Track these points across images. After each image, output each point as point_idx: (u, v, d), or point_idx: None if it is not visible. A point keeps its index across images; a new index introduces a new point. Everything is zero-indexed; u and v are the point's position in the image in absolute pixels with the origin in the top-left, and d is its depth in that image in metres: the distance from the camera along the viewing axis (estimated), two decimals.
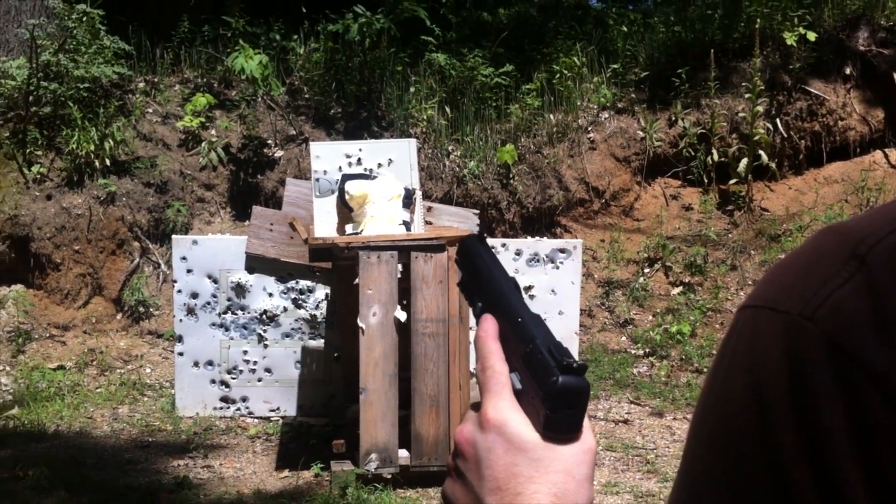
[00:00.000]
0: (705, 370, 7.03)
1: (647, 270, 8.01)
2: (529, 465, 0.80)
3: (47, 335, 7.11)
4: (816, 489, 0.61)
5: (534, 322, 0.87)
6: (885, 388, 0.60)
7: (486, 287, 0.93)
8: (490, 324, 0.89)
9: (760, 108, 8.28)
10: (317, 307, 6.21)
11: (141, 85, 8.26)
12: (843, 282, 0.63)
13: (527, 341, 0.85)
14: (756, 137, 8.24)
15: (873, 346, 0.61)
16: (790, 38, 8.42)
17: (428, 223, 5.77)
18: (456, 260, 1.01)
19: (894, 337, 0.61)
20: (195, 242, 6.19)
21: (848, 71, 8.77)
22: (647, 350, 7.30)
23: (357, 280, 5.09)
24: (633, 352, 7.35)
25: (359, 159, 5.54)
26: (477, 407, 0.86)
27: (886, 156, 8.69)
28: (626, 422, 6.20)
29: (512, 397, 0.84)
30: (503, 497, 0.80)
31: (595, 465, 0.84)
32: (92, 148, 7.43)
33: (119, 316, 7.35)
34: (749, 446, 0.64)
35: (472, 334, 5.68)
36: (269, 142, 8.08)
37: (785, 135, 8.61)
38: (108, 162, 7.51)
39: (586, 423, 0.83)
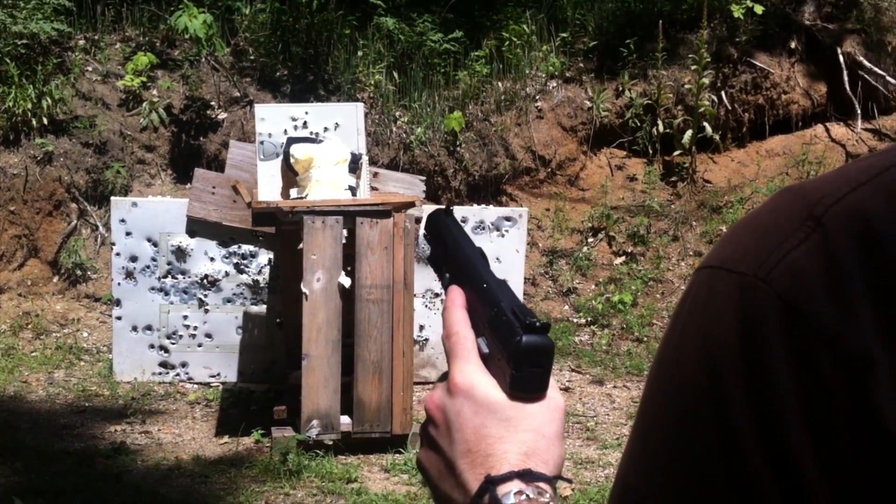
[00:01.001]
0: (646, 339, 7.11)
1: (590, 240, 8.05)
2: (498, 425, 0.81)
3: None
4: (765, 451, 0.61)
5: (499, 286, 0.87)
6: (836, 350, 0.60)
7: (453, 257, 0.94)
8: (456, 293, 0.90)
9: (706, 81, 8.33)
10: (259, 272, 6.14)
11: (81, 42, 8.05)
12: (798, 242, 0.63)
13: (492, 305, 0.85)
14: (701, 109, 8.30)
15: (827, 307, 0.60)
16: (737, 11, 8.46)
17: (374, 189, 5.72)
18: (423, 235, 1.01)
19: (848, 299, 0.60)
20: (135, 205, 6.07)
21: (793, 45, 8.85)
22: (589, 319, 7.35)
23: (301, 245, 5.04)
24: (575, 321, 7.40)
25: (305, 122, 5.47)
26: (446, 376, 0.86)
27: (828, 130, 8.81)
28: (567, 389, 6.25)
29: (478, 361, 0.85)
30: (474, 458, 0.80)
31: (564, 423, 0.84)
32: (29, 106, 7.24)
33: (55, 279, 7.20)
34: (700, 407, 0.64)
35: (417, 302, 5.68)
36: (213, 103, 7.94)
37: (729, 107, 8.68)
38: (45, 121, 7.32)
39: (552, 381, 0.83)
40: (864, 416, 0.59)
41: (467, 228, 6.22)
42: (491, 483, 0.78)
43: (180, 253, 6.03)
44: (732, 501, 0.62)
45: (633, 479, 0.70)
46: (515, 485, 0.78)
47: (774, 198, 0.68)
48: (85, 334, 6.78)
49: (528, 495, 0.78)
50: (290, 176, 5.30)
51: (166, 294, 6.05)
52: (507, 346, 0.82)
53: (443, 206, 1.06)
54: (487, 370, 0.84)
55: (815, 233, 0.63)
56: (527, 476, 0.79)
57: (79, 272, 7.16)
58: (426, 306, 6.21)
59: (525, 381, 0.82)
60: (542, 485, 0.79)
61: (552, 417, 0.82)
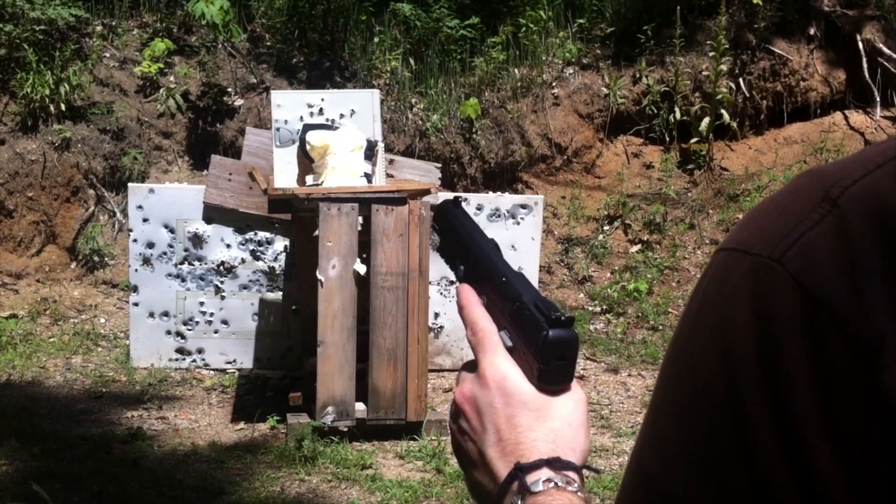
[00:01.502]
0: (661, 328, 7.10)
1: (606, 228, 8.03)
2: (528, 415, 0.84)
3: None
4: (775, 431, 0.61)
5: (518, 280, 0.89)
6: (848, 333, 0.60)
7: (468, 250, 0.95)
8: (468, 291, 0.93)
9: (724, 67, 8.28)
10: (275, 259, 6.16)
11: (98, 28, 8.07)
12: (813, 224, 0.63)
13: (513, 300, 0.88)
14: (719, 96, 8.25)
15: (839, 289, 0.61)
16: None
17: (389, 176, 5.72)
18: (432, 226, 1.04)
19: (860, 281, 0.61)
20: (152, 191, 6.09)
21: (812, 31, 8.78)
22: (605, 307, 7.34)
23: (317, 232, 5.04)
24: (590, 308, 7.39)
25: (321, 109, 5.47)
26: (469, 367, 0.90)
27: (846, 117, 8.74)
28: (581, 377, 6.24)
29: (506, 353, 0.88)
30: (504, 447, 0.84)
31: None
32: (47, 92, 7.27)
33: (73, 265, 7.24)
34: (712, 387, 0.65)
35: (432, 289, 5.68)
36: (230, 90, 7.95)
37: (747, 94, 8.62)
38: (63, 107, 7.34)
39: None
40: (875, 396, 0.59)
41: (483, 216, 6.23)
42: (520, 470, 0.81)
43: (197, 239, 6.05)
44: (743, 481, 0.63)
45: (646, 456, 0.71)
46: (544, 473, 0.81)
47: (794, 180, 0.69)
48: (102, 320, 6.83)
49: (556, 483, 0.81)
50: (306, 163, 5.30)
51: (183, 280, 6.08)
52: (534, 341, 0.84)
53: (450, 198, 1.06)
54: (516, 364, 0.87)
55: (830, 214, 0.63)
56: (555, 464, 0.82)
57: (96, 258, 7.20)
58: (441, 294, 6.22)
59: (552, 374, 0.85)
60: (570, 473, 0.82)
61: (577, 408, 0.86)
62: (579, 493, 0.81)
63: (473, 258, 0.95)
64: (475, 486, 0.87)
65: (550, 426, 0.84)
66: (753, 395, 0.62)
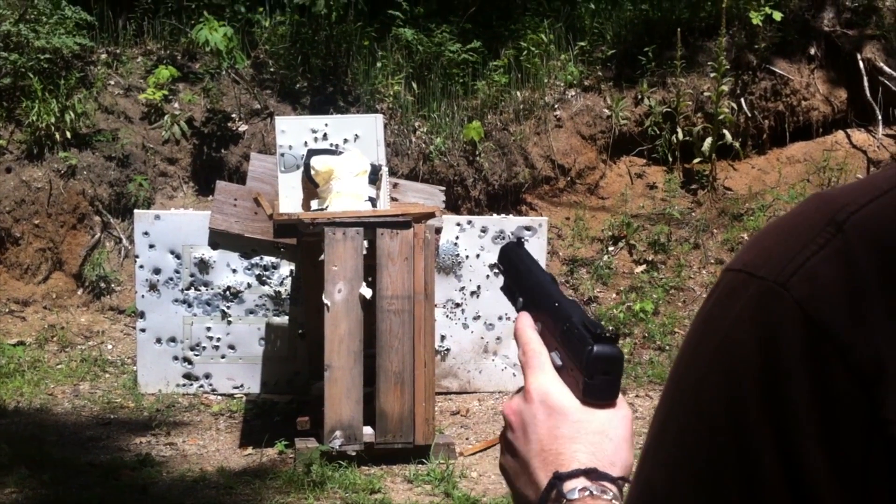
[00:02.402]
0: (668, 348, 7.10)
1: (611, 248, 8.04)
2: (570, 427, 0.88)
3: (6, 311, 7.01)
4: (777, 455, 0.62)
5: (569, 304, 0.95)
6: (850, 361, 0.60)
7: (526, 283, 1.02)
8: (525, 317, 0.98)
9: (725, 88, 8.31)
10: (281, 283, 6.18)
11: (103, 56, 8.13)
12: (818, 248, 0.63)
13: (563, 321, 0.93)
14: (720, 117, 8.28)
15: (842, 317, 0.61)
16: (756, 18, 8.44)
17: (394, 199, 5.74)
18: (496, 265, 1.12)
19: (863, 308, 0.61)
20: (158, 217, 6.12)
21: (812, 51, 8.82)
22: (611, 328, 7.33)
23: (322, 256, 5.06)
24: None
25: (325, 134, 5.51)
26: (522, 390, 0.95)
27: (848, 136, 8.77)
28: None
29: (552, 371, 0.93)
30: (546, 457, 0.88)
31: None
32: (52, 120, 7.31)
33: (80, 291, 7.26)
34: (715, 410, 0.65)
35: (438, 312, 5.69)
36: (234, 116, 7.99)
37: (749, 114, 8.66)
38: (68, 135, 7.39)
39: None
40: (875, 425, 0.59)
41: (487, 238, 6.25)
42: (558, 479, 0.85)
43: (203, 265, 6.08)
44: (741, 501, 0.63)
45: (653, 475, 0.71)
46: (581, 482, 0.85)
47: (802, 203, 0.69)
48: (109, 346, 6.84)
49: (591, 492, 0.84)
50: (311, 188, 5.33)
51: (189, 306, 6.10)
52: (579, 356, 0.89)
53: (514, 240, 1.16)
54: (561, 379, 0.92)
55: (834, 239, 0.63)
56: (592, 474, 0.85)
57: (103, 285, 7.22)
58: (447, 316, 6.23)
59: (597, 388, 0.89)
60: (606, 483, 0.85)
61: (621, 423, 0.89)
62: (614, 503, 0.84)
63: (531, 289, 1.01)
64: (519, 499, 0.91)
65: (591, 439, 0.88)
66: (755, 419, 0.63)
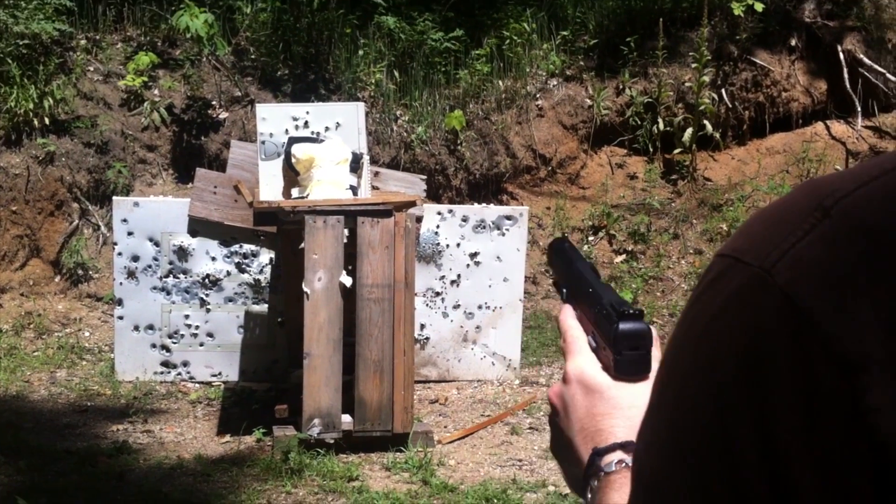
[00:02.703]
0: None
1: (591, 238, 8.06)
2: (606, 403, 0.93)
3: None
4: (757, 443, 0.61)
5: (601, 288, 1.01)
6: (833, 350, 0.60)
7: (568, 275, 1.09)
8: (566, 308, 1.05)
9: (706, 79, 8.34)
10: (261, 272, 6.16)
11: (82, 42, 8.06)
12: (803, 234, 0.63)
13: (596, 304, 0.99)
14: (701, 107, 8.31)
15: (826, 305, 0.61)
16: (738, 9, 8.47)
17: (375, 188, 5.73)
18: (547, 261, 1.20)
19: (847, 295, 0.60)
20: (136, 204, 6.08)
21: (793, 42, 8.85)
22: (638, 306, 7.35)
23: (302, 244, 5.05)
24: None
25: (306, 122, 5.48)
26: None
27: (828, 127, 8.81)
28: None
29: (589, 353, 0.97)
30: (586, 435, 0.92)
31: None
32: (31, 106, 7.25)
33: (57, 278, 7.22)
34: (700, 399, 0.65)
35: (418, 300, 5.69)
36: (214, 103, 7.95)
37: (730, 105, 8.69)
38: (47, 121, 7.33)
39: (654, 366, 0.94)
40: (858, 415, 0.59)
41: (468, 227, 6.25)
42: (597, 454, 0.90)
43: (182, 252, 6.05)
44: (726, 495, 0.63)
45: (643, 463, 0.72)
46: (617, 455, 0.89)
47: (795, 189, 0.69)
48: (87, 334, 6.80)
49: (627, 463, 0.88)
50: (292, 175, 5.31)
51: (168, 293, 6.07)
52: (608, 335, 0.94)
53: (559, 236, 1.23)
54: (597, 360, 0.96)
55: (820, 224, 0.63)
56: (629, 446, 0.88)
57: (80, 272, 7.18)
58: (427, 305, 6.23)
59: (626, 364, 0.93)
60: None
61: None
62: None
63: (571, 280, 1.07)
64: (569, 477, 0.96)
65: (626, 413, 0.91)
66: (737, 406, 0.63)
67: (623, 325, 0.93)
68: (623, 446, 0.89)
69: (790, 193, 0.69)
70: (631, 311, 0.94)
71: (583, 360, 0.97)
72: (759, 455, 0.61)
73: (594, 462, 0.90)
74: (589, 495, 0.90)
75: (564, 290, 1.08)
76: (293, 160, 5.24)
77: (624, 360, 0.93)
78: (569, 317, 1.02)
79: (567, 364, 0.98)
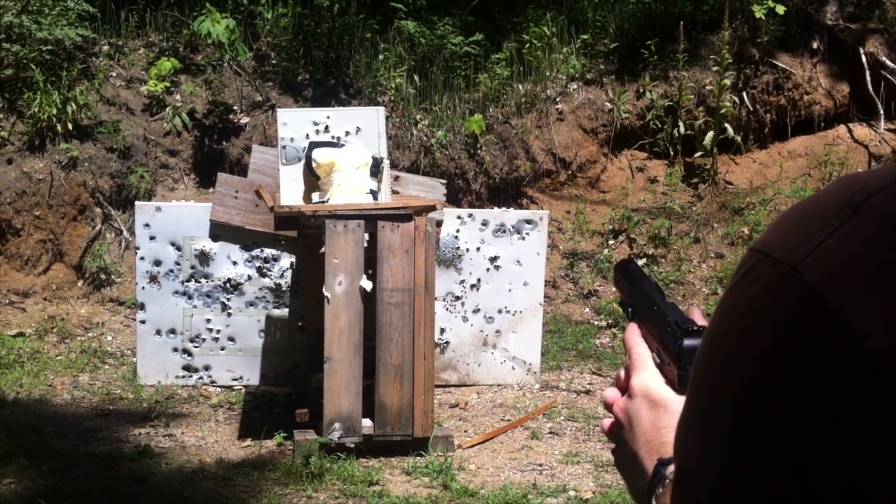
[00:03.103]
0: None
1: (611, 242, 8.04)
2: (670, 417, 0.95)
3: (7, 301, 7.03)
4: (781, 439, 0.62)
5: (667, 307, 1.05)
6: (860, 347, 0.59)
7: (634, 293, 1.14)
8: (632, 326, 1.09)
9: (727, 81, 8.30)
10: (281, 276, 6.18)
11: (105, 48, 8.13)
12: (832, 230, 0.63)
13: (661, 322, 1.03)
14: (722, 110, 8.27)
15: (854, 302, 0.60)
16: (759, 12, 8.43)
17: (395, 192, 5.74)
18: (614, 282, 1.25)
19: (875, 293, 0.60)
20: (159, 209, 6.12)
21: (815, 45, 8.80)
22: (610, 321, 7.35)
23: (323, 249, 5.07)
24: (595, 323, 7.40)
25: (326, 127, 5.50)
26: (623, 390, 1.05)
27: (850, 130, 8.76)
28: (587, 392, 6.24)
29: (654, 369, 1.01)
30: (651, 447, 0.96)
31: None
32: (54, 112, 7.31)
33: (80, 283, 7.27)
34: (729, 390, 0.66)
35: (438, 305, 5.70)
36: (235, 108, 7.99)
37: (751, 108, 8.65)
38: (70, 126, 7.39)
39: None
40: (885, 412, 0.59)
41: (488, 231, 6.25)
42: (662, 465, 0.93)
43: (203, 257, 6.08)
44: (743, 484, 0.64)
45: (681, 450, 0.74)
46: None
47: (829, 184, 0.68)
48: (109, 338, 6.85)
49: None
50: (312, 180, 5.33)
51: (190, 298, 6.10)
52: (673, 351, 0.98)
53: (626, 258, 1.29)
54: (662, 376, 1.00)
55: (850, 220, 0.62)
56: None
57: (103, 276, 7.22)
58: (447, 309, 6.23)
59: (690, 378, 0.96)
60: None
61: None
62: None
63: (638, 298, 1.11)
64: (633, 489, 0.99)
65: None
66: (763, 403, 0.63)
67: (687, 342, 0.97)
68: None
69: (826, 187, 0.68)
70: (695, 328, 0.98)
71: (648, 375, 1.00)
72: (780, 453, 0.62)
73: (659, 472, 0.92)
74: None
75: (630, 310, 1.12)
76: (314, 165, 5.25)
77: (688, 374, 0.95)
78: (634, 334, 1.06)
79: (633, 379, 1.01)
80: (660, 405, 0.97)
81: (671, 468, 0.89)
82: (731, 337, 0.66)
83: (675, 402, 0.95)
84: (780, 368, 0.62)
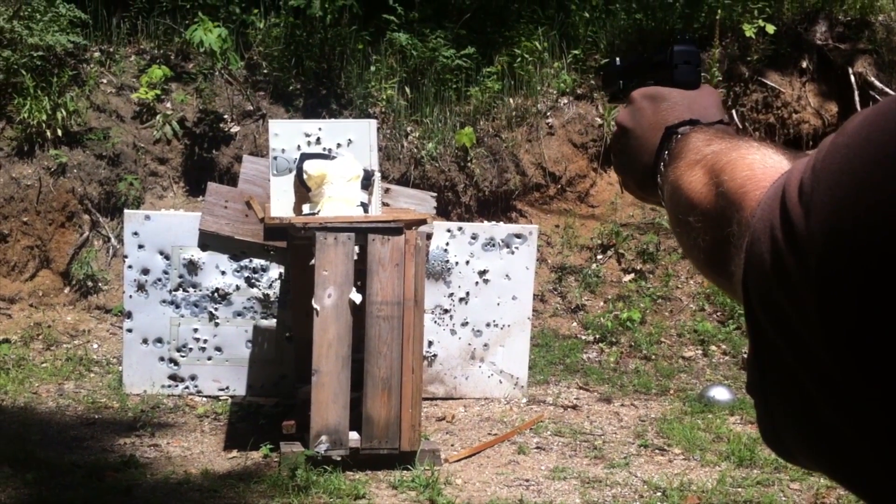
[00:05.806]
0: (654, 357, 7.11)
1: (599, 257, 8.06)
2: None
3: None
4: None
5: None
6: None
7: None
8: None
9: None
10: (270, 286, 6.17)
11: (96, 55, 8.11)
12: None
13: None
14: None
15: None
16: (749, 30, 8.48)
17: (385, 205, 5.74)
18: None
19: None
20: (148, 218, 6.10)
21: (804, 64, 8.86)
22: (598, 336, 7.36)
23: (312, 261, 5.06)
24: (583, 337, 7.40)
25: (318, 138, 5.50)
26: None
27: None
28: (574, 407, 6.25)
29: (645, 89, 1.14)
30: (656, 126, 1.08)
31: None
32: (44, 118, 7.29)
33: (67, 290, 7.24)
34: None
35: (426, 318, 5.69)
36: (226, 117, 7.98)
37: (740, 126, 8.68)
38: (59, 132, 7.37)
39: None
40: None
41: (477, 245, 6.25)
42: (670, 128, 1.06)
43: (192, 266, 6.06)
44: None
45: None
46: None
47: None
48: (95, 346, 6.82)
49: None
50: (303, 191, 5.32)
51: (177, 307, 6.08)
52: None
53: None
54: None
55: None
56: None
57: (90, 284, 7.19)
58: (435, 322, 6.23)
59: (682, 75, 1.13)
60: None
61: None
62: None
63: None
64: (636, 175, 1.12)
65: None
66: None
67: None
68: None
69: None
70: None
71: (645, 87, 1.14)
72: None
73: (668, 133, 1.05)
74: (661, 167, 1.04)
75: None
76: (305, 176, 5.25)
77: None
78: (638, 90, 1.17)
79: (632, 94, 1.15)
80: (658, 97, 1.11)
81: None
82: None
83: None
84: None
